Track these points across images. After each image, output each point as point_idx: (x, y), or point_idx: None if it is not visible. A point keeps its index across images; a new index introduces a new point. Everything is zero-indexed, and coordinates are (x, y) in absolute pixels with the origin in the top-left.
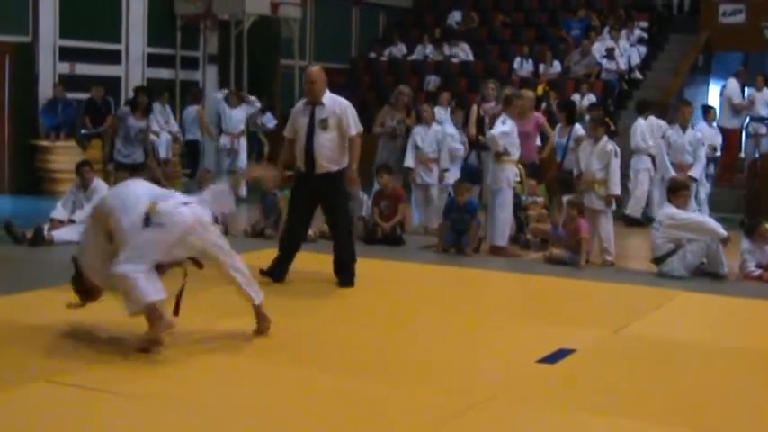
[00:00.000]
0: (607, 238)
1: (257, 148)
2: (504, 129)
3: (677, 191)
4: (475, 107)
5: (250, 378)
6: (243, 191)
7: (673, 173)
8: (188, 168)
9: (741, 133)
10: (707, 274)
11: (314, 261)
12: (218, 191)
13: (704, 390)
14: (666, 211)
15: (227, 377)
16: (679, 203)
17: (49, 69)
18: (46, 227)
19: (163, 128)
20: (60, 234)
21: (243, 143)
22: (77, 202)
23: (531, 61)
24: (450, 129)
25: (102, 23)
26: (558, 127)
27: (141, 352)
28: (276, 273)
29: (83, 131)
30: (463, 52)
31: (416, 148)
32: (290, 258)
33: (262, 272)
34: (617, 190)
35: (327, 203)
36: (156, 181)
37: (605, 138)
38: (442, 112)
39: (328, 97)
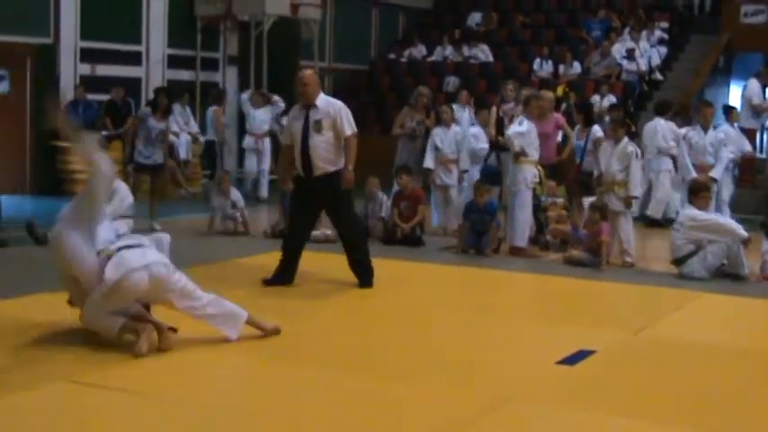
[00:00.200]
0: (627, 240)
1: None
2: (520, 129)
3: (698, 192)
4: (494, 108)
5: (268, 379)
6: (264, 192)
7: (694, 174)
8: (208, 169)
9: (760, 133)
10: (727, 276)
11: (332, 262)
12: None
13: (725, 392)
14: (687, 213)
15: (245, 378)
16: (700, 205)
17: (70, 71)
18: None
19: (183, 129)
20: None
21: (267, 144)
22: None
23: (550, 62)
24: (475, 129)
25: (122, 25)
26: (576, 128)
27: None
28: (282, 278)
29: (103, 132)
30: (483, 53)
31: (436, 149)
32: (295, 261)
33: (266, 282)
34: (637, 191)
35: (329, 205)
36: (176, 182)
37: (626, 139)
38: (460, 111)
39: (322, 99)
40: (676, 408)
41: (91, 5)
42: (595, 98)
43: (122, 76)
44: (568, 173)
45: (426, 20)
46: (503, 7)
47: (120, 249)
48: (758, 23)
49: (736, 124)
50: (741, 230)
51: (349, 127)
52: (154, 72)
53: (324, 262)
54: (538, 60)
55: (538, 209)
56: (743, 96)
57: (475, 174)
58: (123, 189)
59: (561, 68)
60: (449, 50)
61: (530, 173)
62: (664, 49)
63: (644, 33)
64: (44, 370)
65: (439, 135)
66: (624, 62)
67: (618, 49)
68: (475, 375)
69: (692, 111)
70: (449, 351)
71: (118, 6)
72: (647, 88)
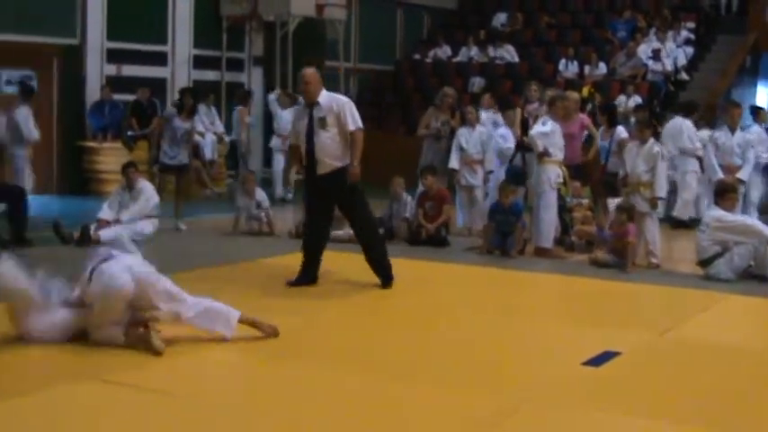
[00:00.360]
0: (653, 241)
1: None
2: (543, 129)
3: (724, 193)
4: (518, 109)
5: (283, 378)
6: (288, 192)
7: (720, 175)
8: (233, 169)
9: None
10: (754, 277)
11: (356, 261)
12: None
13: (751, 394)
14: (713, 214)
15: (270, 379)
16: (726, 206)
17: (96, 71)
18: (92, 227)
19: (208, 129)
20: (107, 234)
21: None
22: (123, 203)
23: (576, 63)
24: (502, 129)
25: (148, 25)
26: (600, 129)
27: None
28: (306, 278)
29: (129, 133)
30: (508, 54)
31: (461, 149)
32: (317, 260)
33: (290, 284)
34: (663, 192)
35: (341, 201)
36: (201, 182)
37: (652, 140)
38: (484, 115)
39: (324, 96)
40: (701, 409)
41: (117, 6)
42: (621, 99)
43: (148, 77)
44: (593, 174)
45: (451, 20)
46: (528, 8)
47: (93, 269)
48: None
49: (763, 125)
50: None
51: (353, 122)
52: (179, 72)
53: (348, 262)
54: (563, 61)
55: (563, 210)
56: None
57: (501, 175)
58: (149, 189)
59: (587, 69)
60: (474, 51)
61: (553, 173)
62: (690, 50)
63: (670, 33)
64: (77, 369)
65: (464, 135)
66: (650, 62)
67: (644, 50)
68: (499, 376)
69: (718, 111)
70: (473, 351)
71: (144, 7)
72: (672, 89)
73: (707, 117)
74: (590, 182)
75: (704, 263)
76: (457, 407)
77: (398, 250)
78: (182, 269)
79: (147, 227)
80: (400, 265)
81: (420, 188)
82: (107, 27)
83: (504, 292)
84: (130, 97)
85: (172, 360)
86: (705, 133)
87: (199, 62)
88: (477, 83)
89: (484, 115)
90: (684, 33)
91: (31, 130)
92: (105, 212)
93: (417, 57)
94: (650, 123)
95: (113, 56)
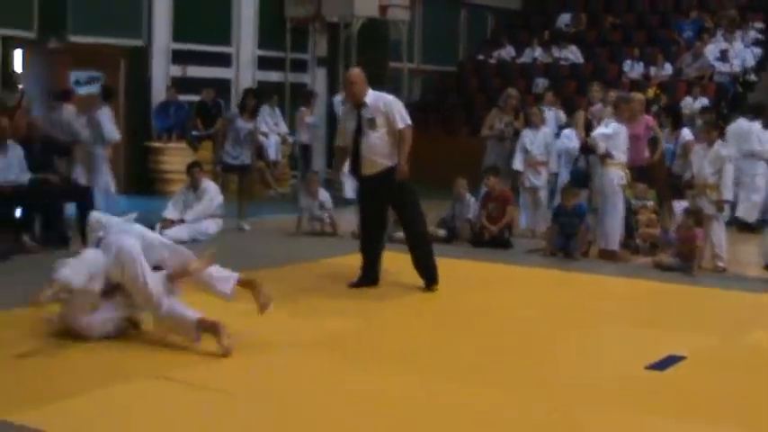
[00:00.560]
0: (719, 244)
1: None
2: (605, 131)
3: None
4: (582, 111)
5: (347, 379)
6: (350, 192)
7: None
8: (297, 170)
9: None
10: None
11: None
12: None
13: None
14: None
15: (329, 378)
16: None
17: (161, 72)
18: (158, 226)
19: (272, 130)
20: (171, 233)
21: None
22: (188, 202)
23: (641, 63)
24: (567, 130)
25: (213, 27)
26: (665, 131)
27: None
28: (366, 279)
29: (194, 133)
30: (572, 54)
31: (525, 150)
32: (376, 261)
33: (351, 285)
34: (729, 195)
35: (394, 200)
36: (265, 183)
37: (719, 142)
38: (546, 113)
39: (371, 95)
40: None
41: (183, 8)
42: (687, 100)
43: (213, 78)
44: (658, 176)
45: (515, 21)
46: (592, 8)
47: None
48: None
49: None
50: None
51: (402, 120)
52: (244, 73)
53: (409, 263)
54: (628, 62)
55: (628, 212)
56: None
57: (565, 176)
58: (213, 189)
59: (652, 70)
60: (538, 52)
61: (616, 175)
62: (758, 50)
63: (738, 34)
64: (132, 366)
65: (528, 137)
66: (717, 63)
67: (711, 50)
68: (561, 378)
69: None
70: (534, 353)
71: (209, 8)
72: (740, 90)
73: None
74: (655, 184)
75: None
76: (516, 408)
77: (461, 251)
78: (244, 269)
79: (211, 226)
80: (463, 266)
81: (483, 189)
82: (173, 28)
83: (567, 294)
84: (195, 98)
85: (232, 359)
86: None
87: (263, 63)
88: (540, 84)
89: (548, 113)
90: (752, 33)
91: (113, 131)
92: (170, 212)
93: (481, 57)
94: (717, 125)
95: (179, 57)
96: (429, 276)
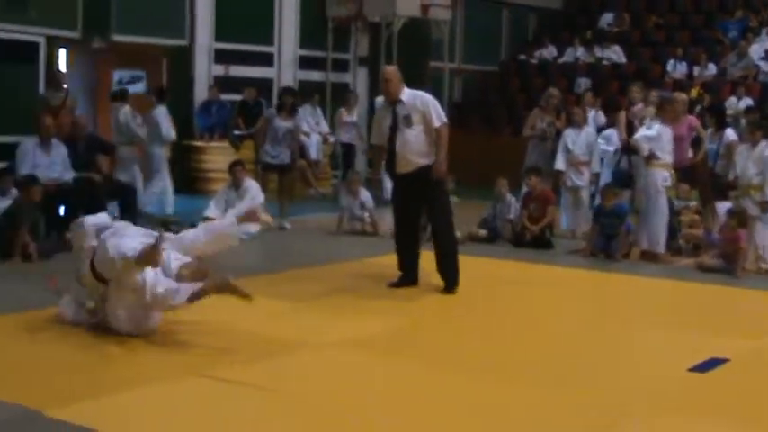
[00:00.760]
0: (763, 245)
1: None
2: (648, 133)
3: None
4: (623, 111)
5: (388, 378)
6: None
7: None
8: (339, 170)
9: None
10: None
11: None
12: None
13: None
14: None
15: (370, 377)
16: None
17: (204, 71)
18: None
19: (313, 129)
20: None
21: None
22: (229, 201)
23: (684, 63)
24: (607, 131)
25: (255, 26)
26: (708, 131)
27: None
28: (406, 279)
29: (235, 132)
30: (615, 54)
31: (567, 150)
32: (414, 259)
33: (391, 285)
34: None
35: (426, 198)
36: (306, 182)
37: (763, 142)
38: (592, 113)
39: (407, 93)
40: None
41: (225, 8)
42: (732, 100)
43: (255, 77)
44: (701, 176)
45: (557, 21)
46: (635, 8)
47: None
48: None
49: None
50: None
51: (438, 118)
52: (285, 73)
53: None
54: (671, 62)
55: (671, 213)
56: None
57: (607, 177)
58: (255, 188)
59: (696, 70)
60: (580, 51)
61: (660, 176)
62: None
63: None
64: (174, 365)
65: (570, 136)
66: (762, 63)
67: (755, 50)
68: (602, 380)
69: None
70: (576, 354)
71: (251, 8)
72: None
73: None
74: (698, 185)
75: None
76: (559, 410)
77: (502, 252)
78: (285, 268)
79: (253, 225)
80: (503, 266)
81: (524, 189)
82: (215, 28)
83: (609, 295)
84: (237, 97)
85: (273, 357)
86: None
87: (304, 63)
88: (582, 84)
89: (592, 113)
90: None
91: (169, 130)
92: (212, 210)
93: (522, 57)
94: (761, 125)
95: (221, 56)
96: (451, 280)
